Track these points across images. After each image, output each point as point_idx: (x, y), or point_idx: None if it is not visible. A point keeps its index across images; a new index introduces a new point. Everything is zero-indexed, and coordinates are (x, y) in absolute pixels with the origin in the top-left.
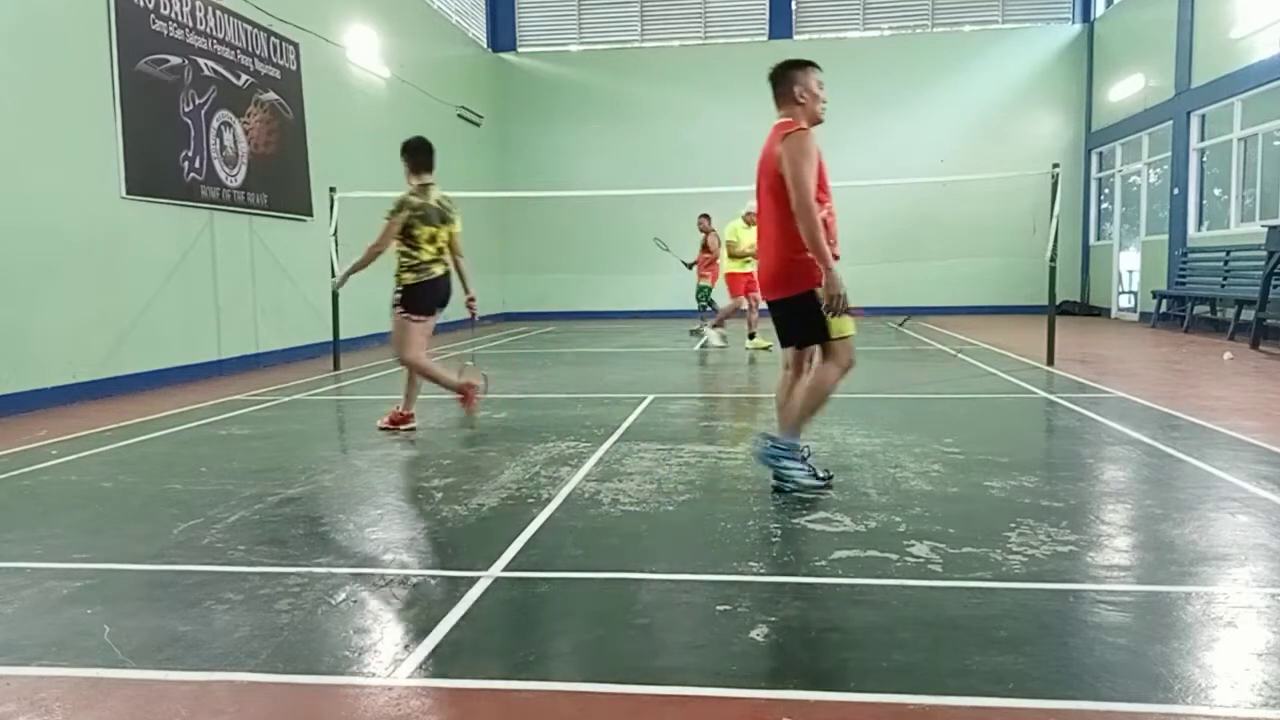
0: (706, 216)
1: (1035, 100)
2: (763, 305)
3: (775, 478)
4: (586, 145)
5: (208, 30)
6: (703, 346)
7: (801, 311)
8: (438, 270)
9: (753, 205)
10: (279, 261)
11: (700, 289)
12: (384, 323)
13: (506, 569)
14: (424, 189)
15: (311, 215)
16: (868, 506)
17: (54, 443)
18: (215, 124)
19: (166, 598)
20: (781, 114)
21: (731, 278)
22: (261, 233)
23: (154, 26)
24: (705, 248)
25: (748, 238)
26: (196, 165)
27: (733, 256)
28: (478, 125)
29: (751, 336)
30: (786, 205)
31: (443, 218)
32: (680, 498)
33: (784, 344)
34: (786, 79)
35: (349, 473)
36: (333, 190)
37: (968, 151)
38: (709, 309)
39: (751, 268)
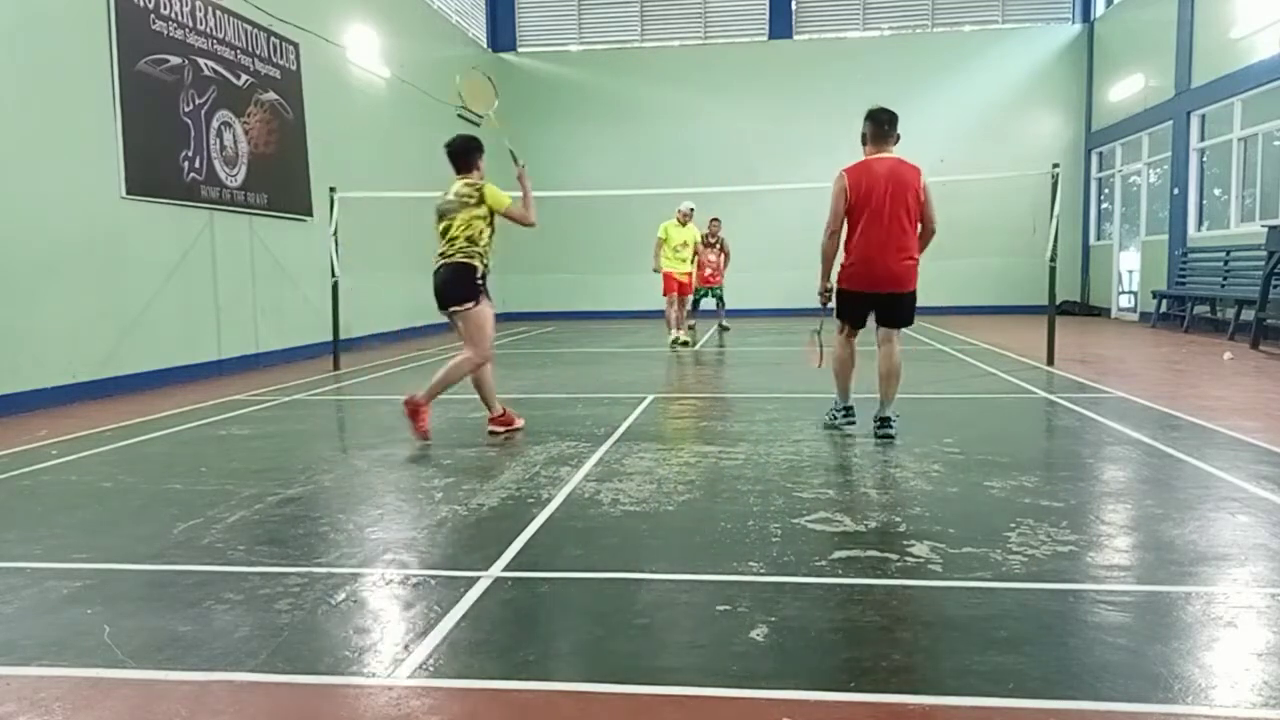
0: (717, 220)
1: (1035, 100)
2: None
3: (888, 435)
4: (586, 145)
5: (208, 30)
6: (682, 345)
7: (914, 301)
8: (435, 264)
9: (687, 206)
10: (279, 261)
11: (712, 291)
12: (384, 322)
13: (506, 569)
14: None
15: (311, 215)
16: (868, 506)
17: (54, 443)
18: (215, 124)
19: (166, 598)
20: (894, 150)
21: (669, 277)
22: (261, 233)
23: (154, 26)
24: (723, 250)
25: (678, 236)
26: (196, 165)
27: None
28: (478, 125)
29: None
30: (916, 222)
31: (451, 208)
32: (680, 498)
33: (898, 326)
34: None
35: (349, 473)
36: (333, 190)
37: (968, 151)
38: (696, 310)
39: (688, 267)
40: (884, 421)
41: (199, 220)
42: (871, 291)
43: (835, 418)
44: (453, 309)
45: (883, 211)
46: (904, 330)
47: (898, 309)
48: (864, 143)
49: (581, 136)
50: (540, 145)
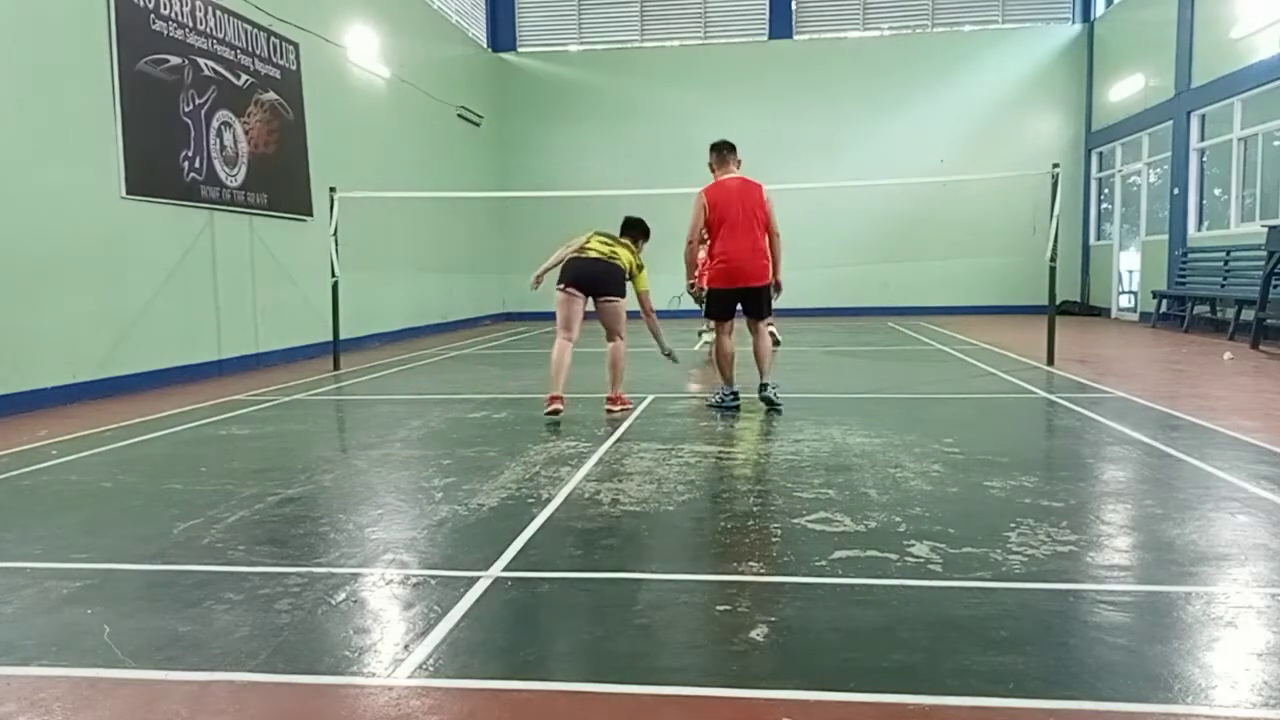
0: None
1: (1035, 100)
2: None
3: (769, 400)
4: (586, 145)
5: (208, 30)
6: (704, 347)
7: (770, 294)
8: (591, 255)
9: None
10: (279, 261)
11: None
12: (380, 323)
13: (506, 569)
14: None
15: (311, 215)
16: (868, 506)
17: (54, 443)
18: (215, 124)
19: (166, 598)
20: (739, 171)
21: None
22: (261, 233)
23: (154, 26)
24: None
25: None
26: (196, 165)
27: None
28: (478, 125)
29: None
30: (765, 228)
31: (608, 254)
32: (680, 498)
33: (760, 316)
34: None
35: (349, 473)
36: (333, 190)
37: (968, 151)
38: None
39: None
40: (764, 387)
41: (199, 220)
42: (736, 287)
43: (724, 400)
44: (609, 298)
45: (738, 221)
46: (901, 329)
47: (758, 301)
48: (711, 169)
49: (581, 136)
50: (540, 145)
